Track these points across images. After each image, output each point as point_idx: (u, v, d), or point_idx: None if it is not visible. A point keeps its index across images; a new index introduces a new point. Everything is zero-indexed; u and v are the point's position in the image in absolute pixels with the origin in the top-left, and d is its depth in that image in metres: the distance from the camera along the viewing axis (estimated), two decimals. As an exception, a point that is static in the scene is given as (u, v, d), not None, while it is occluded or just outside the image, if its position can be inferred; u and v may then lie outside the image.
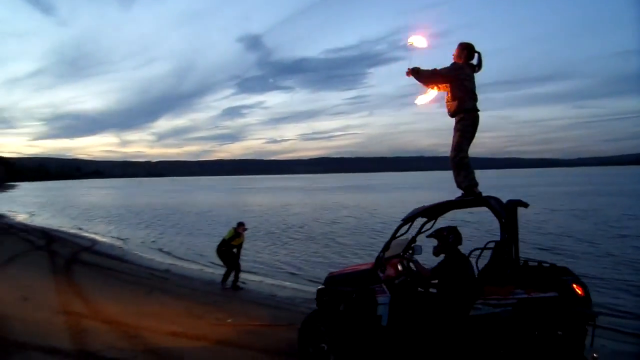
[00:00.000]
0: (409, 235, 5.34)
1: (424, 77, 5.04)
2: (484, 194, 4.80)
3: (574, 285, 4.06)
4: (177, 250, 17.12)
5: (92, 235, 21.07)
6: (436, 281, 4.86)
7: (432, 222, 5.48)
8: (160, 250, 17.25)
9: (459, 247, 4.75)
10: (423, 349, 4.55)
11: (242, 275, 10.60)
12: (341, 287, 5.20)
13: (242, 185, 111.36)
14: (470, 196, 4.81)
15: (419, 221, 5.35)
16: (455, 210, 5.38)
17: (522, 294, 4.09)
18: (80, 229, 24.49)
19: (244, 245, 10.87)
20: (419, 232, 5.37)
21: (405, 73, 5.10)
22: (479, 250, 5.00)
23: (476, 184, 4.86)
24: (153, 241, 19.76)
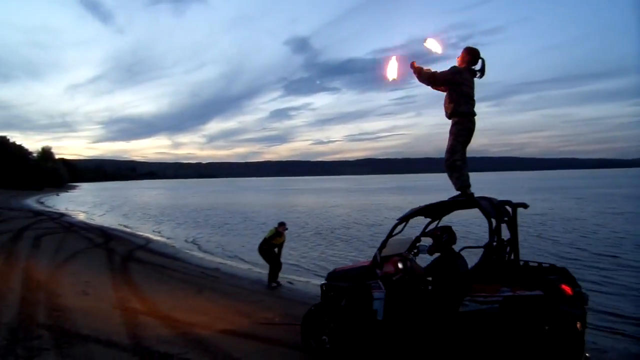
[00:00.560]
0: (410, 235, 5.64)
1: (424, 77, 5.20)
2: (485, 196, 4.99)
3: (562, 285, 4.16)
4: (225, 249, 17.50)
5: (146, 234, 21.89)
6: (430, 279, 5.12)
7: (437, 222, 5.74)
8: (210, 249, 17.66)
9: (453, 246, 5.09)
10: (416, 343, 4.79)
11: (289, 276, 10.70)
12: (340, 282, 5.56)
13: (288, 186, 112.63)
14: (462, 197, 5.01)
15: (424, 221, 5.67)
16: (462, 210, 5.52)
17: (509, 292, 4.24)
18: (134, 227, 25.52)
19: (287, 245, 10.94)
20: (424, 232, 5.61)
21: (410, 63, 5.25)
22: (471, 249, 5.27)
23: (468, 185, 5.05)
24: (204, 240, 20.30)
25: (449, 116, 5.15)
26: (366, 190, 76.19)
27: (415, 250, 5.51)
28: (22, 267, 10.71)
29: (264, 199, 59.67)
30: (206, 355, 5.52)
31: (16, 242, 15.04)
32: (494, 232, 4.56)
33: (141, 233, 22.43)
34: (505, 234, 4.82)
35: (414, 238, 5.61)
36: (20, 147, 68.81)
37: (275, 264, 10.44)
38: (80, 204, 51.27)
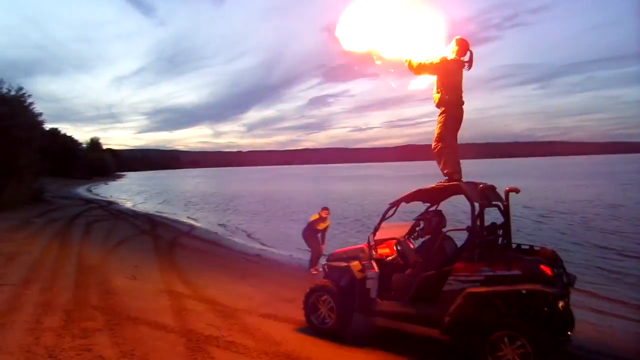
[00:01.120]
0: (397, 219, 6.08)
1: (414, 68, 5.43)
2: (472, 181, 5.35)
3: (541, 266, 4.40)
4: (266, 235, 17.62)
5: (190, 221, 22.45)
6: (420, 260, 5.38)
7: (435, 206, 6.14)
8: (251, 235, 17.88)
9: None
10: (407, 320, 5.28)
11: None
12: (337, 262, 6.03)
13: (327, 173, 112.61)
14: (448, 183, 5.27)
15: (421, 206, 6.10)
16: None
17: (489, 271, 4.53)
18: (179, 214, 26.20)
19: (330, 231, 10.95)
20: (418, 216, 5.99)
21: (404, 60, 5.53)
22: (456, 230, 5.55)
23: (457, 172, 5.30)
24: (245, 227, 20.57)
25: (437, 105, 5.37)
26: (407, 177, 75.18)
27: (415, 234, 5.94)
28: (76, 252, 11.25)
29: (303, 186, 59.83)
30: (249, 338, 5.63)
31: (69, 229, 15.79)
32: (477, 216, 4.87)
33: (185, 220, 23.01)
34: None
35: (412, 222, 6.05)
36: (70, 138, 71.89)
37: (317, 250, 10.47)
38: (128, 192, 53.16)
